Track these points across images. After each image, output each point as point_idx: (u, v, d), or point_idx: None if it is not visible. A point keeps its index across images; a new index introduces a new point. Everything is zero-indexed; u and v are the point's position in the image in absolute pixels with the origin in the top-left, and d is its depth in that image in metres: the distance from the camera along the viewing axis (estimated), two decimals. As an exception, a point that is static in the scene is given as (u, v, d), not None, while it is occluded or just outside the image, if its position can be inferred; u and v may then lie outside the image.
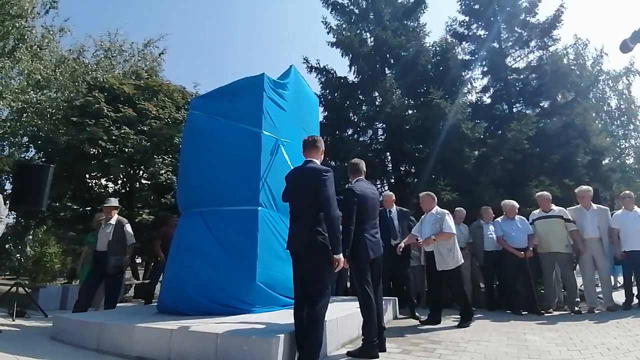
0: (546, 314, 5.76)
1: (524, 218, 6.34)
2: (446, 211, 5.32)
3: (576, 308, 5.71)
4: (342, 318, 4.09)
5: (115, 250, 5.48)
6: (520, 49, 9.94)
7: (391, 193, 6.42)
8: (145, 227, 8.27)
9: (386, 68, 10.28)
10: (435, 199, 5.43)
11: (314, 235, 3.12)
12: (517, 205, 6.38)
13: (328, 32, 10.28)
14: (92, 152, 8.27)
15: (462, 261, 5.25)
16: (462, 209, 6.96)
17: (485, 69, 10.01)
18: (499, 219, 6.43)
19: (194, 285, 4.22)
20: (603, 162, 9.70)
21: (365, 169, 4.07)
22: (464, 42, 10.44)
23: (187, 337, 3.30)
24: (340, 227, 3.20)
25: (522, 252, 5.98)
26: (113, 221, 5.67)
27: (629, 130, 21.51)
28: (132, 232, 5.84)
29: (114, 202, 5.92)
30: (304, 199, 3.25)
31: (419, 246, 5.69)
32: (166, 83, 10.73)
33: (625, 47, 3.24)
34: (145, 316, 4.23)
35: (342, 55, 10.20)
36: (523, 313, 5.83)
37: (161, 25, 53.43)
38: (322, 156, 3.55)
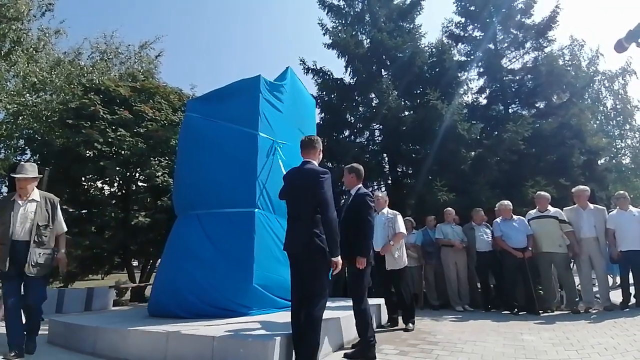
0: (544, 314, 5.77)
1: (523, 218, 6.36)
2: (397, 212, 5.22)
3: (575, 308, 5.72)
4: (340, 320, 4.08)
5: (43, 240, 3.75)
6: (516, 50, 10.01)
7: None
8: (142, 229, 8.24)
9: (382, 69, 10.30)
10: (387, 200, 5.36)
11: (313, 237, 3.10)
12: (510, 204, 6.41)
13: (324, 34, 10.32)
14: (87, 154, 8.23)
15: (406, 262, 5.17)
16: (450, 208, 6.99)
17: (481, 70, 10.07)
18: (497, 219, 6.43)
19: (190, 288, 4.21)
20: (599, 162, 9.75)
21: None
22: (459, 44, 10.50)
23: (183, 340, 3.28)
24: (338, 229, 3.15)
25: (521, 253, 6.00)
26: (37, 197, 3.88)
27: (625, 130, 21.61)
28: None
29: (31, 171, 3.89)
30: (302, 199, 3.23)
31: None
32: (162, 85, 10.71)
33: (620, 47, 3.24)
34: (141, 319, 4.21)
35: (338, 57, 10.24)
36: (521, 313, 5.84)
37: (158, 27, 53.45)
38: (320, 156, 3.52)
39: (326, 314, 4.30)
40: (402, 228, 5.05)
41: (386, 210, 5.21)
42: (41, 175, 4.11)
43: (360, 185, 3.99)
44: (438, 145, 8.23)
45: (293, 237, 3.25)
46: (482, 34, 10.13)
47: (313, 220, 3.14)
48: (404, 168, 10.13)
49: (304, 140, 3.54)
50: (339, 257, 3.12)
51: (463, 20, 10.38)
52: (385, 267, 4.94)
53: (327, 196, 3.13)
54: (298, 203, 3.27)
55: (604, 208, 6.21)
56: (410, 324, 4.90)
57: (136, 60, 15.45)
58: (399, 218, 5.11)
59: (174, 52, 48.51)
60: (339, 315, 4.23)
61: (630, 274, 5.64)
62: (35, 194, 3.91)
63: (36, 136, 10.42)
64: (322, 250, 3.10)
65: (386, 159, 10.13)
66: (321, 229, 3.12)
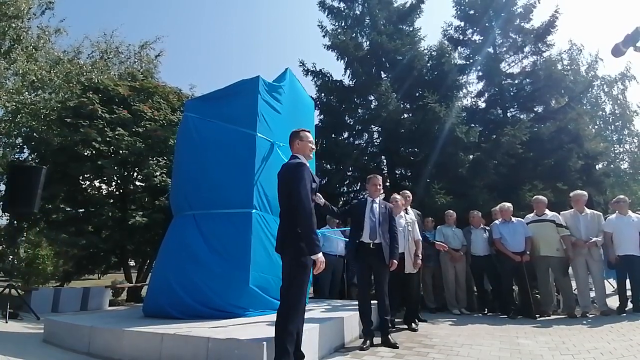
0: (540, 318, 5.76)
1: (522, 220, 6.35)
2: (413, 218, 5.40)
3: (571, 312, 5.72)
4: (342, 320, 4.08)
5: None
6: (515, 54, 10.07)
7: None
8: (139, 229, 8.20)
9: (382, 72, 10.33)
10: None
11: (287, 236, 2.95)
12: (511, 207, 6.40)
13: (324, 36, 10.35)
14: (85, 153, 8.19)
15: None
16: (450, 211, 6.99)
17: (480, 73, 10.11)
18: (497, 221, 6.43)
19: (186, 289, 4.19)
20: (597, 167, 9.79)
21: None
22: (459, 47, 10.56)
23: (178, 341, 3.26)
24: (311, 224, 2.85)
25: (519, 257, 5.98)
26: None
27: (623, 135, 21.67)
28: None
29: None
30: (280, 196, 3.10)
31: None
32: (162, 85, 10.68)
33: (618, 51, 3.25)
34: (137, 320, 4.20)
35: (338, 59, 10.27)
36: (518, 317, 5.83)
37: (158, 27, 53.46)
38: (307, 147, 3.25)
39: (328, 314, 4.33)
40: (418, 234, 5.32)
41: (403, 214, 5.26)
42: None
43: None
44: (436, 148, 8.23)
45: (277, 236, 3.12)
46: (482, 37, 10.18)
47: (288, 218, 2.96)
48: (403, 170, 10.16)
49: None
50: (319, 254, 2.84)
51: (462, 24, 10.44)
52: (404, 270, 5.02)
53: (299, 190, 2.87)
54: (279, 201, 3.12)
55: (600, 213, 6.22)
56: (413, 324, 5.11)
57: (136, 60, 15.43)
58: (416, 225, 5.34)
59: (173, 52, 48.52)
60: (341, 315, 4.27)
61: (627, 279, 5.66)
62: None
63: (34, 134, 10.36)
64: (293, 251, 2.87)
65: (385, 161, 10.14)
66: (296, 226, 2.88)
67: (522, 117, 9.59)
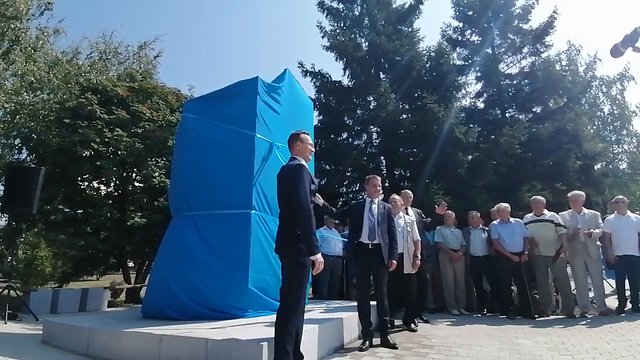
0: (539, 318, 5.76)
1: (520, 220, 6.34)
2: (413, 219, 5.37)
3: (570, 312, 5.72)
4: (334, 322, 4.07)
5: None
6: (513, 55, 10.10)
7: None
8: (138, 230, 8.19)
9: (381, 72, 10.34)
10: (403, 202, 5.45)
11: (286, 237, 2.96)
12: (509, 207, 6.39)
13: (323, 37, 10.36)
14: (84, 154, 8.18)
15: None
16: (449, 211, 6.93)
17: (479, 74, 10.13)
18: (495, 222, 6.43)
19: (185, 290, 4.18)
20: (595, 167, 9.80)
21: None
22: (458, 48, 10.59)
23: (177, 342, 3.25)
24: (310, 225, 2.86)
25: (518, 257, 5.98)
26: None
27: (622, 135, 21.69)
28: None
29: None
30: (279, 198, 3.11)
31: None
32: (160, 85, 10.67)
33: (616, 52, 3.25)
34: (135, 321, 4.19)
35: (337, 60, 10.28)
36: (517, 317, 5.83)
37: (158, 27, 53.46)
38: (307, 149, 3.27)
39: (327, 315, 4.32)
40: (417, 235, 5.24)
41: (402, 214, 5.23)
42: None
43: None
44: (435, 148, 8.24)
45: (276, 237, 3.13)
46: (480, 38, 10.21)
47: (288, 219, 2.97)
48: (402, 171, 10.17)
49: None
50: (318, 255, 2.85)
51: (461, 25, 10.48)
52: (403, 270, 4.97)
53: (298, 191, 2.88)
54: (279, 202, 3.13)
55: (599, 213, 6.22)
56: (413, 325, 5.08)
57: (135, 61, 15.40)
58: (415, 225, 5.28)
59: (173, 52, 48.48)
60: (340, 316, 4.26)
61: (626, 279, 5.66)
62: None
63: (33, 135, 10.33)
64: (293, 252, 2.88)
65: (384, 161, 10.15)
66: (296, 226, 2.89)
67: (520, 117, 9.62)
